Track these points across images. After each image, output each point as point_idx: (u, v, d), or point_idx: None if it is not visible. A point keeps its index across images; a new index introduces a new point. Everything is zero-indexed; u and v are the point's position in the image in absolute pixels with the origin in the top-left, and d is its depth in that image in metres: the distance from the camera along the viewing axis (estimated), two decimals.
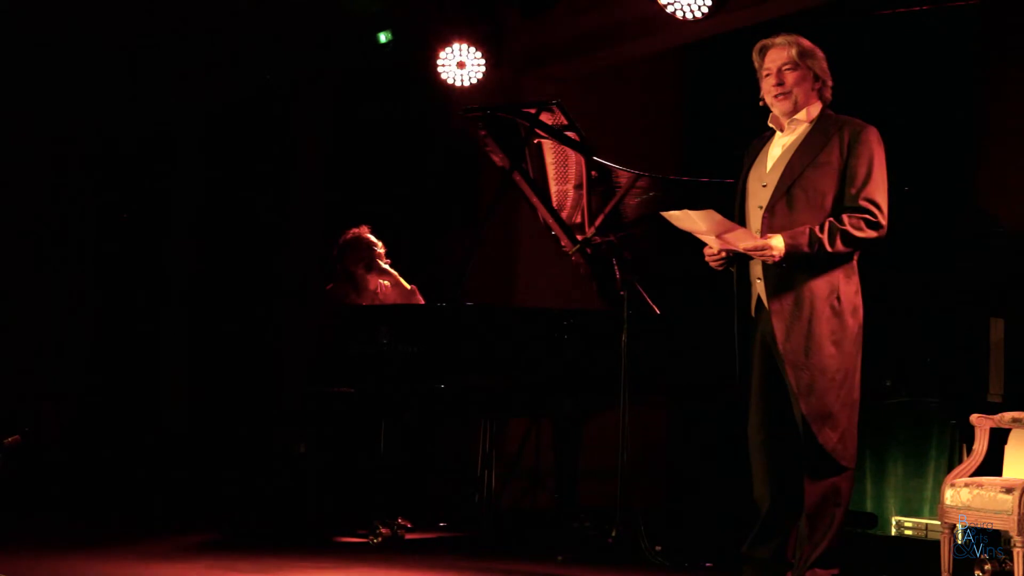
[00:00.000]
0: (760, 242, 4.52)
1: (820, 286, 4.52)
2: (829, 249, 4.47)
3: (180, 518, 6.58)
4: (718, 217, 4.58)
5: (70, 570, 4.97)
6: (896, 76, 7.05)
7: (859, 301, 4.58)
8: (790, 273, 4.54)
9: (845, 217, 4.49)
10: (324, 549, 5.72)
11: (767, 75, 4.65)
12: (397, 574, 5.08)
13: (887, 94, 7.03)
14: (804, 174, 4.56)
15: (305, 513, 6.32)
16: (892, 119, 6.92)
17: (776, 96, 4.63)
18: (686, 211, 4.63)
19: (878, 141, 4.58)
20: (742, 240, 4.57)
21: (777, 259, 4.50)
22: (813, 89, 4.63)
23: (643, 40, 7.34)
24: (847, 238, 4.47)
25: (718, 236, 4.60)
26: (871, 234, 4.49)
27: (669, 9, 6.67)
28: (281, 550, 5.57)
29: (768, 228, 4.57)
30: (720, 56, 7.62)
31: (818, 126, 4.61)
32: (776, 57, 4.63)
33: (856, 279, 4.59)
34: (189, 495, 7.32)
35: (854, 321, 4.56)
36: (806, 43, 4.66)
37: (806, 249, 4.48)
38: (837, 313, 4.53)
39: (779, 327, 4.56)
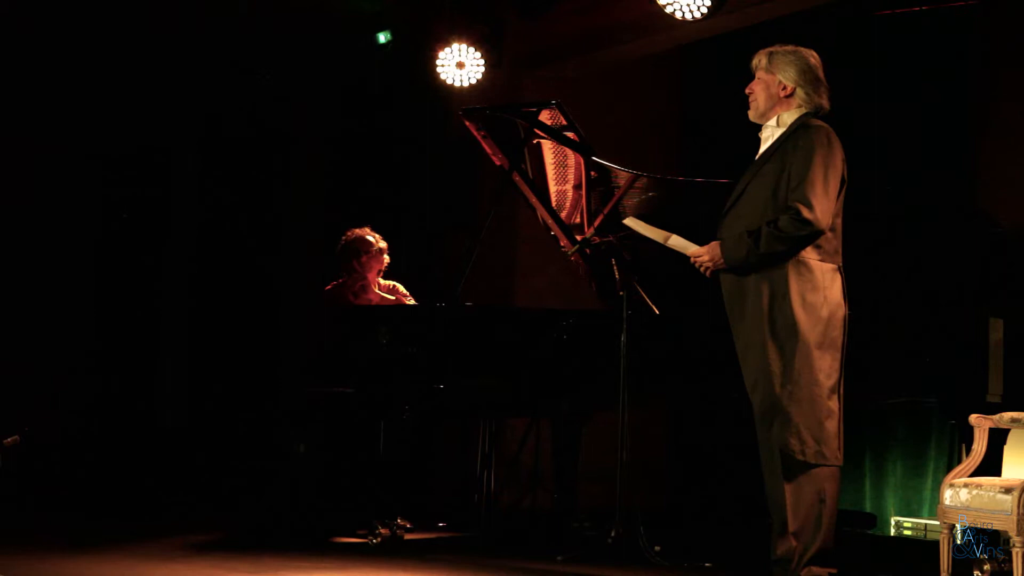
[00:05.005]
0: (699, 249, 4.81)
1: (765, 286, 4.64)
2: (760, 251, 4.61)
3: (180, 518, 6.58)
4: (642, 224, 4.98)
5: (70, 570, 4.97)
6: (896, 76, 7.06)
7: (819, 298, 4.62)
8: (740, 276, 4.71)
9: (777, 218, 4.60)
10: (323, 549, 5.72)
11: None
12: (396, 574, 5.08)
13: (887, 94, 7.03)
14: (753, 180, 4.74)
15: (305, 513, 6.32)
16: (892, 119, 6.95)
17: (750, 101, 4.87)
18: (624, 222, 5.07)
19: (824, 140, 4.64)
20: (686, 247, 4.88)
21: (710, 264, 4.76)
22: (780, 94, 4.77)
23: (642, 40, 7.34)
24: (773, 238, 4.58)
25: (664, 242, 4.94)
26: (799, 232, 4.57)
27: (668, 9, 6.67)
28: (281, 550, 5.57)
29: (720, 233, 4.79)
30: (719, 56, 7.62)
31: (784, 134, 4.74)
32: (754, 64, 4.85)
33: (816, 276, 4.63)
34: (189, 495, 7.32)
35: (808, 317, 4.60)
36: (784, 51, 4.79)
37: (737, 252, 4.67)
38: (780, 310, 4.61)
39: (732, 328, 4.75)
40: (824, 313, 4.63)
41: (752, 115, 4.84)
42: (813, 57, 4.79)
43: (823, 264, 4.66)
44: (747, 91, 4.84)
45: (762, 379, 4.63)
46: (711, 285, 4.92)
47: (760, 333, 4.63)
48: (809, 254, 4.63)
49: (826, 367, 4.63)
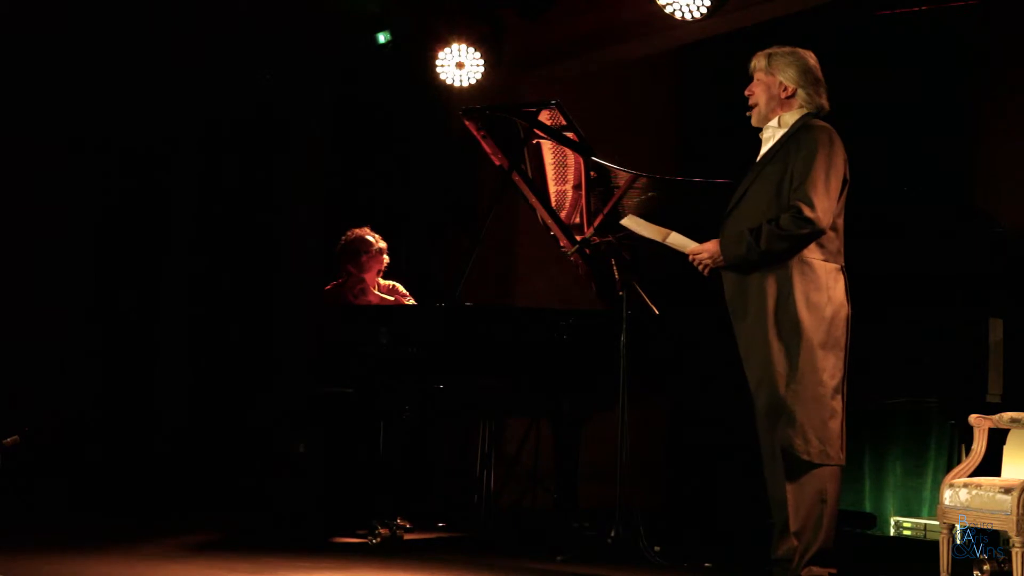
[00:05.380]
0: (698, 246, 4.82)
1: (769, 285, 4.66)
2: (760, 248, 4.62)
3: (180, 518, 6.58)
4: (642, 221, 4.99)
5: (70, 570, 4.97)
6: (896, 76, 7.06)
7: (823, 298, 4.65)
8: (742, 276, 4.72)
9: (779, 216, 4.62)
10: (323, 549, 5.72)
11: None
12: (396, 574, 5.08)
13: (887, 94, 7.03)
14: (756, 181, 4.76)
15: (304, 513, 6.32)
16: (892, 119, 6.95)
17: (750, 104, 4.87)
18: (622, 221, 5.08)
19: (826, 141, 4.67)
20: (685, 245, 4.88)
21: (709, 261, 4.77)
22: (781, 95, 4.79)
23: (642, 40, 7.34)
24: (774, 236, 4.60)
25: (664, 240, 4.93)
26: (800, 231, 4.59)
27: (668, 10, 6.68)
28: (280, 550, 5.57)
29: (721, 235, 4.80)
30: (718, 57, 7.62)
31: (786, 134, 4.76)
32: (752, 67, 4.87)
33: (819, 276, 4.65)
34: (189, 495, 7.32)
35: (813, 317, 4.62)
36: (783, 52, 4.81)
37: (738, 249, 4.69)
38: (786, 310, 4.62)
39: (735, 327, 4.76)
40: (828, 313, 4.65)
41: (754, 119, 4.86)
42: (812, 58, 4.82)
43: (826, 264, 4.68)
44: (747, 93, 4.86)
45: (766, 379, 4.64)
46: (710, 284, 4.93)
47: (764, 333, 4.64)
48: (812, 254, 4.65)
49: (830, 367, 4.65)
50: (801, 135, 4.69)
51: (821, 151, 4.63)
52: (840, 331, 4.68)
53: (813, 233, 4.60)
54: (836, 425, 4.66)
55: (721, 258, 4.75)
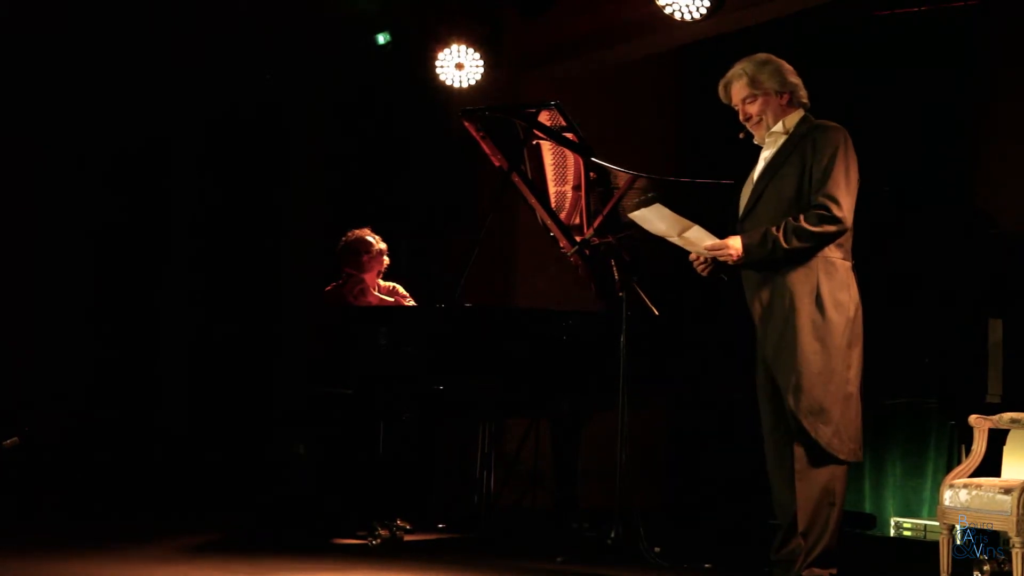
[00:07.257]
0: (719, 242, 4.76)
1: (798, 285, 4.64)
2: (785, 246, 4.61)
3: (180, 518, 6.58)
4: (668, 212, 4.83)
5: (70, 570, 4.97)
6: (895, 76, 7.06)
7: (846, 296, 4.66)
8: (768, 275, 4.70)
9: (801, 215, 4.62)
10: (323, 550, 5.72)
11: (736, 109, 4.86)
12: (395, 575, 5.08)
13: (886, 94, 7.03)
14: (772, 182, 4.74)
15: (304, 514, 6.31)
16: (892, 119, 6.94)
17: (750, 127, 4.85)
18: (642, 210, 4.92)
19: (842, 141, 4.68)
20: (703, 240, 4.79)
21: (735, 258, 4.71)
22: (782, 103, 4.79)
23: (641, 41, 7.34)
24: (801, 233, 4.59)
25: (679, 236, 4.82)
26: (826, 228, 4.59)
27: (667, 10, 6.68)
28: (280, 551, 5.57)
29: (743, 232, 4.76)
30: (718, 57, 7.61)
31: (793, 135, 4.76)
32: (736, 93, 4.84)
33: (842, 275, 4.67)
34: (188, 496, 7.32)
35: (840, 316, 4.63)
36: (757, 65, 4.81)
37: (762, 247, 4.65)
38: (819, 310, 4.62)
39: (760, 328, 4.74)
40: (851, 312, 4.67)
41: (758, 134, 4.83)
42: (774, 56, 4.84)
43: (844, 262, 4.70)
44: (746, 117, 4.83)
45: (800, 381, 4.60)
46: (708, 284, 4.92)
47: (795, 335, 4.61)
48: (833, 253, 4.66)
49: (854, 364, 4.68)
50: (817, 136, 4.68)
51: (840, 151, 4.64)
52: (860, 328, 4.70)
53: (839, 232, 4.61)
54: (859, 422, 4.69)
55: (743, 256, 4.71)
